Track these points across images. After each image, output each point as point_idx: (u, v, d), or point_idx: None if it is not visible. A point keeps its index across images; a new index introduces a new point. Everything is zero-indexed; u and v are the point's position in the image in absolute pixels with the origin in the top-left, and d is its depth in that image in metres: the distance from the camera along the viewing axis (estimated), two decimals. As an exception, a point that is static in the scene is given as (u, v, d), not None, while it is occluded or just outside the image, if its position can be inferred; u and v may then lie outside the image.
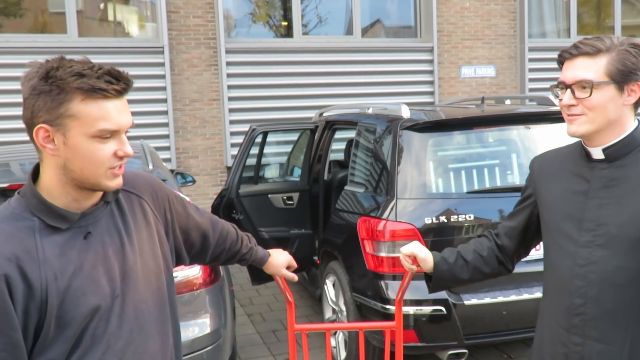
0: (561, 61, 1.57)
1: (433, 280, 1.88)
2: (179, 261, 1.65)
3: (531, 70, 8.67)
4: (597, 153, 1.57)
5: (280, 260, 2.02)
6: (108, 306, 1.32)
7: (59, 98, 1.23)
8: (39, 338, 1.25)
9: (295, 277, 2.08)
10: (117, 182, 1.34)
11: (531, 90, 8.63)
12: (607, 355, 1.52)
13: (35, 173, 1.33)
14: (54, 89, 1.22)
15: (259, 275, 4.77)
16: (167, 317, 1.49)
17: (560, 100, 1.56)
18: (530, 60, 8.65)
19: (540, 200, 1.73)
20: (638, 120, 1.57)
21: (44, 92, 1.23)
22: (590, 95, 1.49)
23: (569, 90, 1.53)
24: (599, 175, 1.57)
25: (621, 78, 1.49)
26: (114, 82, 1.26)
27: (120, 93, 1.28)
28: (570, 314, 1.58)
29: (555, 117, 3.86)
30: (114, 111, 1.27)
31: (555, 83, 1.59)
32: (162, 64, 7.26)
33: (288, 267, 2.06)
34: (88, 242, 1.32)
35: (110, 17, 7.59)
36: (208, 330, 2.99)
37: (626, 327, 1.50)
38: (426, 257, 1.85)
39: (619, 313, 1.51)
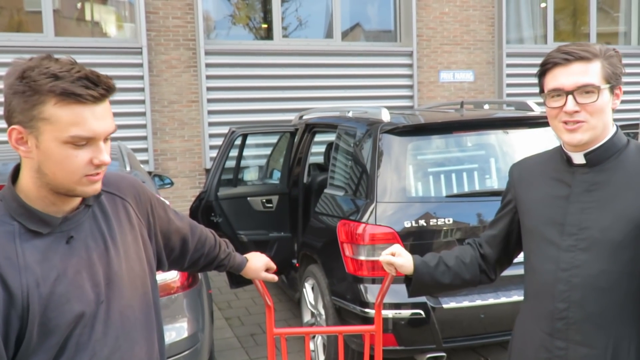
0: (548, 68, 1.54)
1: (413, 283, 1.86)
2: (158, 266, 1.62)
3: (509, 75, 8.76)
4: (578, 158, 1.58)
5: (258, 263, 1.99)
6: (93, 312, 1.28)
7: (32, 100, 1.18)
8: (20, 346, 1.21)
9: (275, 278, 2.05)
10: (94, 188, 1.28)
11: (509, 95, 8.72)
12: (590, 358, 1.53)
13: (16, 174, 1.29)
14: (27, 90, 1.18)
15: (237, 278, 4.74)
16: (152, 323, 1.46)
17: (554, 108, 1.52)
18: (508, 65, 8.74)
19: (521, 205, 1.73)
20: (617, 125, 1.58)
21: (18, 92, 1.19)
22: (597, 100, 1.48)
23: (570, 96, 1.49)
24: (580, 180, 1.58)
25: (614, 82, 1.51)
26: (91, 87, 1.19)
27: (97, 99, 1.21)
28: (553, 319, 1.58)
29: (532, 122, 3.90)
30: (90, 117, 1.21)
31: (551, 90, 1.52)
32: (141, 65, 7.18)
33: (267, 270, 2.03)
34: (71, 246, 1.28)
35: (88, 17, 7.49)
36: (185, 335, 2.96)
37: (609, 330, 1.52)
38: (404, 264, 1.83)
39: (602, 316, 1.52)
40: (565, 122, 1.52)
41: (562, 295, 1.56)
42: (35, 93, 1.18)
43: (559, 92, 1.51)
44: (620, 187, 1.52)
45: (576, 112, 1.49)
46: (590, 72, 1.49)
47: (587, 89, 1.48)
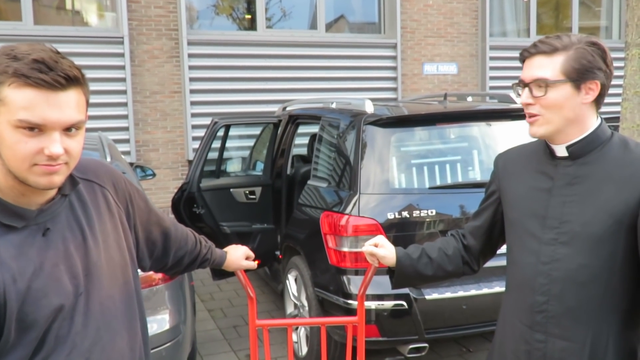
0: (522, 60, 1.58)
1: (395, 275, 1.86)
2: (138, 263, 1.56)
3: (492, 68, 8.80)
4: (561, 151, 1.58)
5: (237, 253, 2.00)
6: (72, 305, 1.26)
7: None
8: None
9: (254, 264, 2.06)
10: (48, 180, 1.19)
11: (492, 88, 8.76)
12: (569, 351, 1.54)
13: None
14: None
15: (220, 270, 4.70)
16: (134, 312, 1.43)
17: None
18: (491, 58, 8.78)
19: (504, 197, 1.73)
20: (601, 118, 1.58)
21: None
22: (545, 94, 1.50)
23: (526, 89, 1.53)
24: (563, 173, 1.57)
25: (577, 76, 1.49)
26: (44, 71, 1.13)
27: (52, 85, 1.14)
28: (533, 312, 1.59)
29: (515, 115, 3.92)
30: (42, 104, 1.14)
31: (517, 81, 1.59)
32: (122, 55, 7.09)
33: (247, 258, 2.04)
34: (47, 239, 1.25)
35: (69, 6, 7.37)
36: (167, 327, 2.94)
37: (588, 324, 1.52)
38: (386, 255, 1.83)
39: (581, 310, 1.52)
40: (527, 114, 1.57)
41: (542, 289, 1.56)
42: None
43: (521, 84, 1.57)
44: (601, 181, 1.51)
45: (530, 104, 1.54)
46: (547, 66, 1.50)
47: (539, 83, 1.51)
